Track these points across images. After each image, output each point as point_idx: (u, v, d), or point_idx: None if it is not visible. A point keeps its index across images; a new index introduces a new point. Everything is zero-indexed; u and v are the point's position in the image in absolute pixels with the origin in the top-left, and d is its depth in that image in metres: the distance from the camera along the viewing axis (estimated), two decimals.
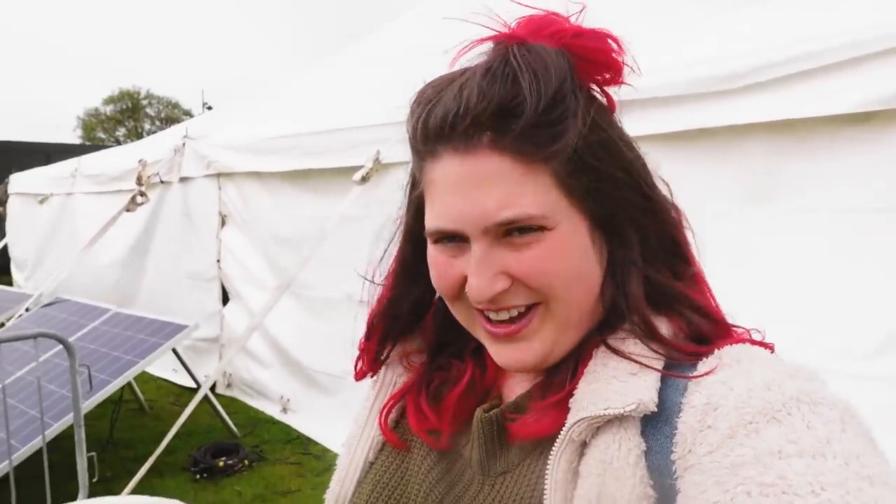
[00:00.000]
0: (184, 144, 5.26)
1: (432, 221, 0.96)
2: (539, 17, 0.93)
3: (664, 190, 1.00)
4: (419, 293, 1.09)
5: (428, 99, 0.93)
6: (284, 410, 4.61)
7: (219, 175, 5.02)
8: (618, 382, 0.88)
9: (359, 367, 1.19)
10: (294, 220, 4.34)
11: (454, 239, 0.94)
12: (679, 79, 2.32)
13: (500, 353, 0.98)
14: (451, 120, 0.89)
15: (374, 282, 1.14)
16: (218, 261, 5.22)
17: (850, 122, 1.95)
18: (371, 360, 1.15)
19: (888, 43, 1.81)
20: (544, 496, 0.88)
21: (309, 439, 4.27)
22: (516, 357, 0.96)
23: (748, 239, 2.31)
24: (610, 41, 0.95)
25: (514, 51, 0.90)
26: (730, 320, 0.98)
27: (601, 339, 0.95)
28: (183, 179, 5.36)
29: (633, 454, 0.82)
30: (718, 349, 0.88)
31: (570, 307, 0.95)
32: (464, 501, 1.01)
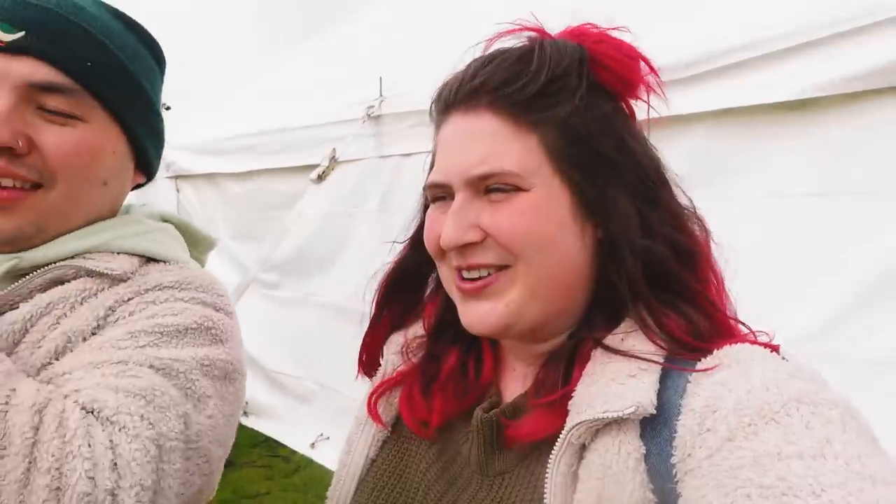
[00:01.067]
0: None
1: (429, 178, 1.02)
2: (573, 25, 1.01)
3: (684, 200, 1.02)
4: (423, 259, 1.10)
5: (446, 79, 1.03)
6: (246, 414, 4.54)
7: (176, 177, 4.94)
8: (616, 385, 0.87)
9: (363, 358, 1.18)
10: (252, 221, 4.29)
11: (444, 197, 0.99)
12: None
13: (466, 312, 0.98)
14: (460, 85, 0.98)
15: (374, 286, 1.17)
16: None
17: (787, 110, 1.99)
18: (377, 336, 1.16)
19: (824, 31, 1.84)
20: (544, 499, 0.86)
21: (277, 442, 4.24)
22: (479, 315, 0.96)
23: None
24: (632, 58, 0.99)
25: (539, 41, 0.98)
26: (738, 321, 0.96)
27: (597, 340, 0.94)
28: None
29: (632, 458, 0.81)
30: (718, 349, 0.88)
31: (539, 274, 0.95)
32: (462, 501, 1.00)
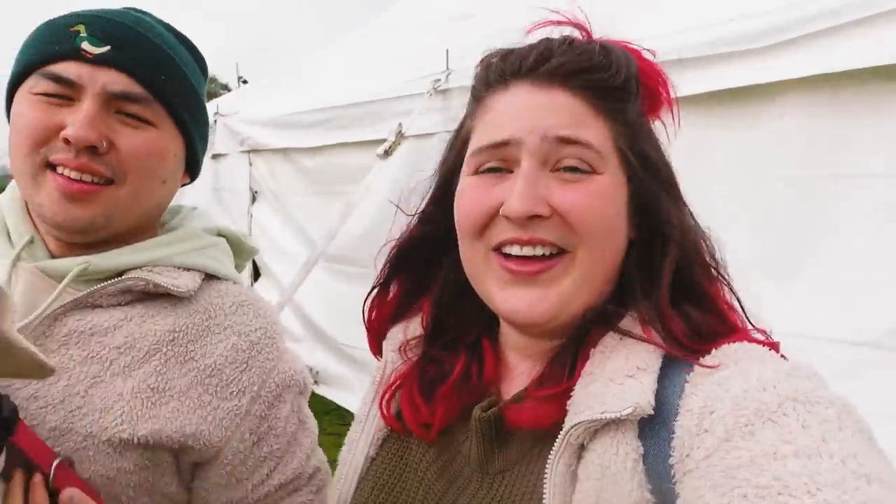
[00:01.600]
0: (215, 122, 5.31)
1: (483, 138, 0.97)
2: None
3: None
4: (431, 233, 1.10)
5: (502, 49, 1.02)
6: (317, 383, 4.67)
7: (249, 151, 5.06)
8: (615, 385, 0.86)
9: (371, 339, 1.18)
10: (321, 195, 4.36)
11: (499, 170, 0.95)
12: (704, 39, 2.22)
13: (509, 297, 0.95)
14: (535, 58, 0.95)
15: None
16: (250, 233, 5.30)
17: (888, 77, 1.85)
18: (386, 312, 1.16)
19: None
20: (543, 498, 0.86)
21: (347, 411, 4.34)
22: (528, 302, 0.93)
23: (782, 207, 2.22)
24: (663, 83, 1.03)
25: (604, 41, 0.99)
26: (743, 319, 0.95)
27: (608, 323, 0.94)
28: (216, 156, 5.43)
29: (630, 458, 0.80)
30: (717, 348, 0.87)
31: (595, 263, 0.94)
32: (462, 499, 1.00)
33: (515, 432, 0.96)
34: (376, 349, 1.19)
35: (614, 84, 0.95)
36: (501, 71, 0.99)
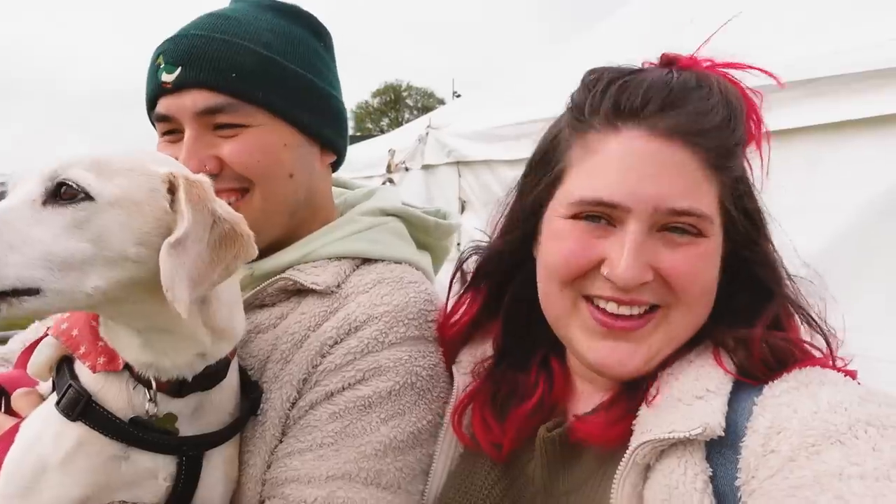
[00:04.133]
0: (427, 134, 5.62)
1: (590, 190, 0.92)
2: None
3: None
4: (508, 252, 1.09)
5: (614, 77, 0.95)
6: None
7: (458, 163, 5.28)
8: (683, 406, 0.84)
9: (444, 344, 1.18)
10: None
11: (599, 219, 0.91)
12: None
13: (598, 349, 0.93)
14: (657, 105, 0.90)
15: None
16: (458, 244, 5.51)
17: None
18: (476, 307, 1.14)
19: None
20: None
21: None
22: (618, 358, 0.92)
23: None
24: (757, 115, 0.98)
25: (715, 80, 0.94)
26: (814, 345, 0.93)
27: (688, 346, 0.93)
28: (426, 167, 5.74)
29: (699, 479, 0.78)
30: (788, 372, 0.84)
31: (687, 320, 0.92)
32: None
33: (581, 453, 0.95)
34: (450, 366, 1.18)
35: (732, 143, 0.92)
36: (616, 107, 0.92)
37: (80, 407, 0.96)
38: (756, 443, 0.78)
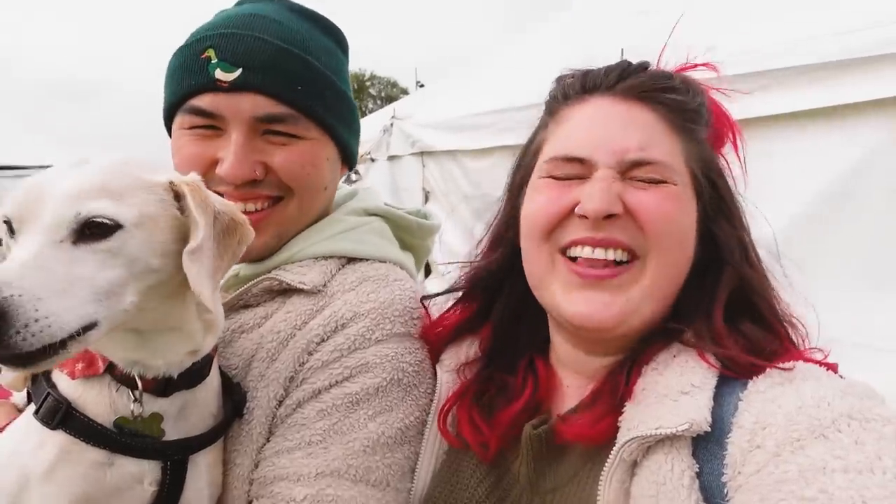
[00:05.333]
0: (392, 125, 5.60)
1: (560, 149, 0.99)
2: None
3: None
4: (499, 260, 1.12)
5: (580, 69, 1.06)
6: None
7: (422, 153, 5.27)
8: (669, 402, 0.85)
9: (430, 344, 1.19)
10: (490, 196, 4.41)
11: (571, 178, 0.97)
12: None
13: (574, 301, 0.95)
14: (617, 74, 0.99)
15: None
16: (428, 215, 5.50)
17: None
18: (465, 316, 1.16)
19: None
20: None
21: None
22: (595, 307, 0.93)
23: None
24: (729, 120, 1.06)
25: (680, 73, 1.04)
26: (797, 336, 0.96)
27: (666, 339, 0.94)
28: (391, 158, 5.72)
29: (686, 475, 0.80)
30: (772, 367, 0.85)
31: (665, 271, 0.95)
32: None
33: (566, 450, 0.96)
34: (434, 362, 1.20)
35: (690, 106, 0.98)
36: (582, 86, 1.03)
37: (60, 415, 0.95)
38: (742, 438, 0.79)
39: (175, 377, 1.00)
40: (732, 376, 0.85)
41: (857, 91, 2.27)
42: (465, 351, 1.16)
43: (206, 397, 1.07)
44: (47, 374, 1.01)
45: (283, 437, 1.08)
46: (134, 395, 0.98)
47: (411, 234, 1.39)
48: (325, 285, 1.18)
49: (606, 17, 4.24)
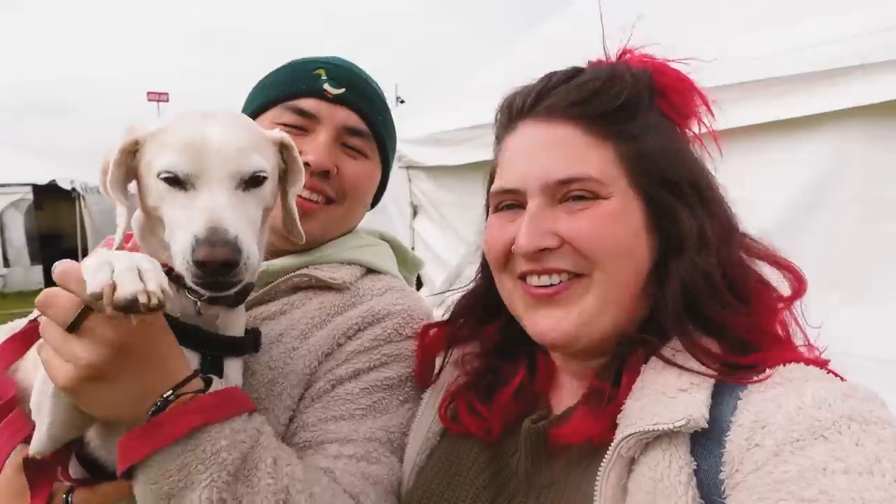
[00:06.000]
0: None
1: (497, 183, 1.05)
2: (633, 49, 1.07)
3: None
4: (487, 280, 1.15)
5: (512, 92, 1.10)
6: None
7: (408, 167, 5.32)
8: (667, 398, 0.87)
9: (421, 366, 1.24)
10: (474, 207, 4.45)
11: (512, 206, 1.02)
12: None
13: (535, 320, 0.99)
14: (535, 96, 1.03)
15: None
16: (412, 248, 5.55)
17: None
18: (443, 340, 1.21)
19: None
20: None
21: None
22: (551, 324, 0.97)
23: None
24: (689, 90, 1.03)
25: (613, 64, 1.05)
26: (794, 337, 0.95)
27: (652, 348, 0.95)
28: None
29: (684, 472, 0.81)
30: (770, 367, 0.87)
31: (613, 283, 0.96)
32: None
33: (564, 446, 0.97)
34: (423, 367, 1.25)
35: (613, 106, 0.97)
36: (509, 113, 1.07)
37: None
38: (740, 437, 0.79)
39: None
40: (727, 381, 0.86)
41: (827, 101, 2.34)
42: (468, 346, 1.21)
43: (236, 321, 1.18)
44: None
45: (328, 408, 1.21)
46: (196, 297, 1.07)
47: (405, 266, 1.58)
48: (352, 284, 1.35)
49: (591, 30, 4.31)
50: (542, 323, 0.98)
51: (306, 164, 1.26)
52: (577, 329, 0.95)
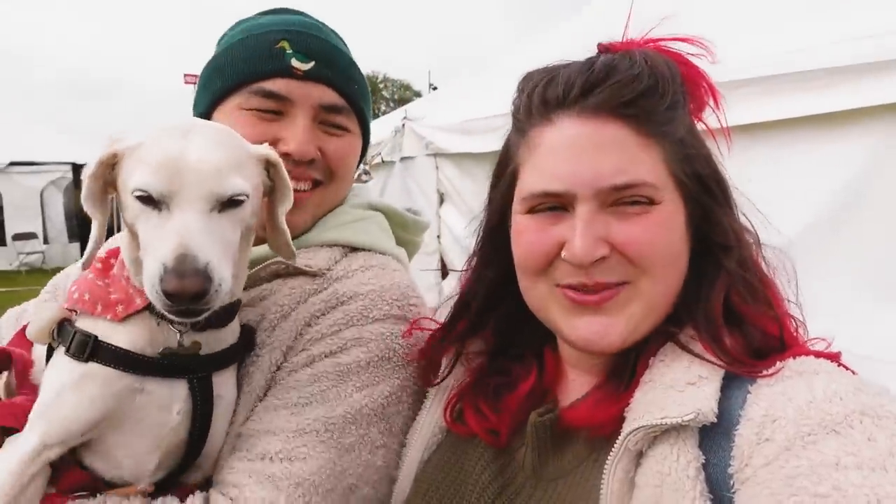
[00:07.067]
0: (403, 126, 5.65)
1: (536, 184, 0.97)
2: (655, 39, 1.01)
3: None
4: (493, 278, 1.11)
5: (542, 76, 1.01)
6: None
7: (436, 154, 5.31)
8: (675, 392, 0.85)
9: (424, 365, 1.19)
10: None
11: (554, 208, 0.95)
12: None
13: (578, 327, 0.95)
14: (581, 89, 0.94)
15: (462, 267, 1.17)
16: (438, 236, 5.56)
17: None
18: (439, 346, 1.16)
19: None
20: None
21: None
22: (596, 331, 0.93)
23: None
24: (705, 84, 1.00)
25: (638, 53, 0.96)
26: (800, 329, 0.94)
27: (666, 337, 0.93)
28: (404, 159, 5.76)
29: (692, 467, 0.80)
30: (781, 360, 0.85)
31: (659, 289, 0.94)
32: (517, 503, 0.99)
33: (571, 439, 0.96)
34: (428, 368, 1.20)
35: (663, 106, 0.92)
36: (544, 101, 0.96)
37: (90, 347, 1.03)
38: (750, 431, 0.78)
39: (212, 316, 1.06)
40: (738, 371, 0.85)
41: (870, 95, 2.26)
42: (471, 344, 1.18)
43: (227, 338, 1.15)
44: (70, 321, 1.09)
45: (273, 396, 1.15)
46: (179, 329, 1.06)
47: (405, 230, 1.47)
48: (329, 269, 1.27)
49: (625, 19, 4.24)
50: (585, 330, 0.94)
51: (287, 155, 1.20)
52: (626, 335, 0.93)
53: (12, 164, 14.56)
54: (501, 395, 1.08)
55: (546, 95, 0.96)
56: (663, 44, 1.00)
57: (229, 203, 0.98)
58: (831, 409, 0.74)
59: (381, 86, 60.21)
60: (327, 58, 1.28)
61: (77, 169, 14.99)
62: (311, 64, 1.25)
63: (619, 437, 0.85)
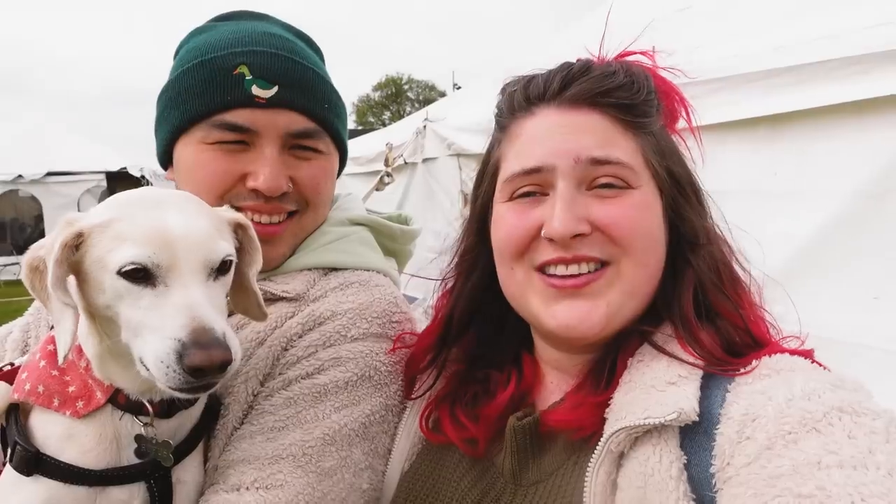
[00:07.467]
0: (424, 127, 5.64)
1: (515, 165, 0.99)
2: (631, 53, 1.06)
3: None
4: (475, 283, 1.11)
5: (523, 79, 1.05)
6: None
7: (458, 155, 5.29)
8: (656, 392, 0.85)
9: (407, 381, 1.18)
10: None
11: (531, 194, 0.98)
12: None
13: (557, 312, 0.95)
14: (560, 83, 0.98)
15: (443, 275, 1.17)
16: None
17: None
18: (427, 360, 1.14)
19: None
20: None
21: None
22: (576, 315, 0.94)
23: None
24: (674, 95, 1.04)
25: (621, 61, 1.02)
26: (773, 326, 0.96)
27: (644, 338, 0.94)
28: (427, 160, 5.75)
29: (675, 467, 0.80)
30: (757, 359, 0.85)
31: (640, 272, 0.95)
32: None
33: (550, 442, 0.96)
34: (410, 376, 1.20)
35: (638, 101, 0.96)
36: (525, 97, 1.01)
37: (32, 463, 0.98)
38: (731, 430, 0.78)
39: (176, 399, 1.03)
40: (715, 373, 0.86)
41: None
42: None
43: (195, 413, 1.11)
44: (17, 416, 1.05)
45: (249, 423, 1.11)
46: (141, 421, 1.02)
47: (394, 240, 1.42)
48: (306, 292, 1.22)
49: (646, 15, 4.20)
50: (564, 315, 0.94)
51: (257, 191, 1.15)
52: (607, 320, 0.94)
53: (49, 174, 14.96)
54: (479, 403, 1.08)
55: (527, 92, 1.01)
56: (634, 58, 1.05)
57: (220, 269, 0.97)
58: (810, 407, 0.74)
59: (406, 87, 60.43)
60: (291, 79, 1.18)
61: (111, 177, 15.37)
62: (274, 90, 1.16)
63: (602, 439, 0.86)
